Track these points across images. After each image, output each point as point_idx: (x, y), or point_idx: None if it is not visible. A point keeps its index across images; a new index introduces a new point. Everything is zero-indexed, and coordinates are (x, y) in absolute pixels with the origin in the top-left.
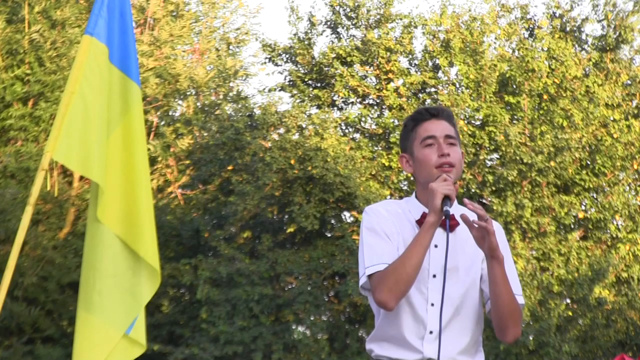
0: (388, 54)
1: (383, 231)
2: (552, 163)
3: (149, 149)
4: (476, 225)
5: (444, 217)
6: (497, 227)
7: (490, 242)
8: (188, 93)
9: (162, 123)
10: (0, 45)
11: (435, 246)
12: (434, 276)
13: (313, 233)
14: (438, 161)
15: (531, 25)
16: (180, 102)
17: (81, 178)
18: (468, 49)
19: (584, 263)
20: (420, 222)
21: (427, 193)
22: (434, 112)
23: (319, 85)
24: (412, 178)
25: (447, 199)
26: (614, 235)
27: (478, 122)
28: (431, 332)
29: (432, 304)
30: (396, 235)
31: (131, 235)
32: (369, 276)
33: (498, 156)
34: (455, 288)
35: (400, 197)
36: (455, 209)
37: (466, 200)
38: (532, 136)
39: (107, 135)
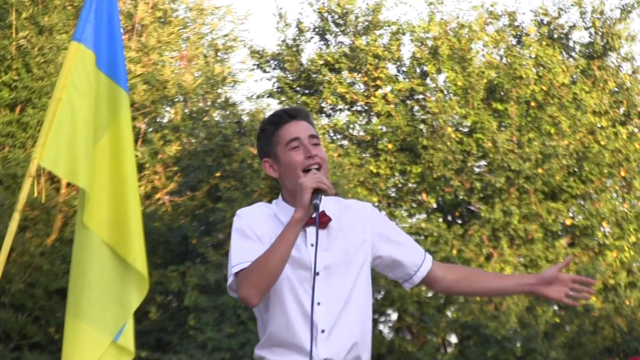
0: (376, 60)
1: (253, 232)
2: (540, 170)
3: (136, 156)
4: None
5: (313, 212)
6: (369, 208)
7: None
8: (176, 99)
9: (150, 129)
10: None
11: (312, 245)
12: (318, 274)
13: None
14: (305, 163)
15: (519, 33)
16: (168, 108)
17: (68, 185)
18: (456, 56)
19: (572, 270)
20: None
21: (297, 192)
22: (293, 113)
23: (307, 91)
24: (276, 182)
25: (317, 192)
26: (601, 242)
27: (466, 129)
28: (323, 331)
29: (319, 303)
30: (268, 237)
31: (120, 242)
32: (236, 274)
33: (486, 163)
34: (341, 284)
35: (389, 204)
36: (330, 205)
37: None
38: (520, 143)
39: (95, 142)
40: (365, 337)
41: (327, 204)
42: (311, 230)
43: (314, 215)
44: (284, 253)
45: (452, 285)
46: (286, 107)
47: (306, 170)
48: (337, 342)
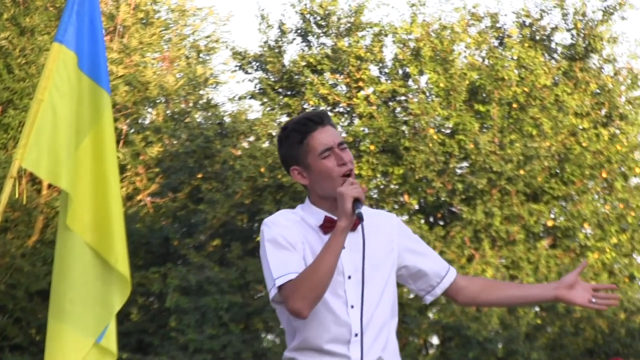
0: (358, 62)
1: (287, 241)
2: (522, 171)
3: (118, 157)
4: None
5: (357, 219)
6: (395, 219)
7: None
8: (158, 101)
9: (132, 131)
10: None
11: (343, 248)
12: (349, 277)
13: None
14: (340, 170)
15: (501, 34)
16: (149, 110)
17: (50, 186)
18: (438, 57)
19: (553, 271)
20: (323, 227)
21: (336, 198)
22: (318, 120)
23: (289, 93)
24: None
25: (357, 201)
26: (583, 244)
27: (448, 131)
28: (356, 335)
29: (352, 306)
30: (301, 244)
31: (102, 243)
32: (280, 287)
33: (468, 164)
34: (370, 288)
35: (371, 206)
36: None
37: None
38: (502, 144)
39: (77, 143)
40: (393, 343)
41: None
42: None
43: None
44: (332, 264)
45: (476, 296)
46: (308, 112)
47: (341, 176)
48: (368, 346)
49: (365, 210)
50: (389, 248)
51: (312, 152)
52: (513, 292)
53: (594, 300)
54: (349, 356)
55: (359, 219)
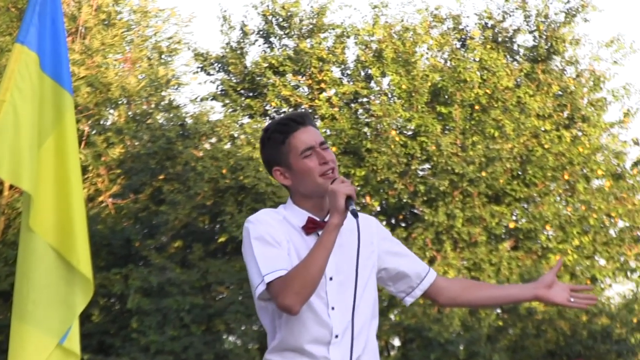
0: (320, 63)
1: (272, 238)
2: (484, 173)
3: (80, 158)
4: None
5: (351, 216)
6: (374, 221)
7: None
8: (119, 102)
9: (94, 132)
10: None
11: None
12: (331, 279)
13: None
14: (321, 169)
15: (463, 36)
16: (111, 111)
17: (11, 187)
18: (400, 59)
19: (515, 273)
20: (306, 227)
21: (319, 198)
22: (300, 120)
23: (251, 94)
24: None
25: (349, 198)
26: (545, 246)
27: (410, 132)
28: (337, 336)
29: (333, 308)
30: (285, 242)
31: (64, 244)
32: (269, 284)
33: (430, 166)
34: (351, 290)
35: None
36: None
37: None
38: (464, 146)
39: (40, 145)
40: (373, 343)
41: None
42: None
43: (326, 219)
44: (324, 261)
45: (457, 296)
46: (290, 113)
47: (323, 175)
48: (347, 347)
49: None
50: (369, 250)
51: (293, 151)
52: (493, 292)
53: (572, 299)
54: (329, 358)
55: (354, 215)
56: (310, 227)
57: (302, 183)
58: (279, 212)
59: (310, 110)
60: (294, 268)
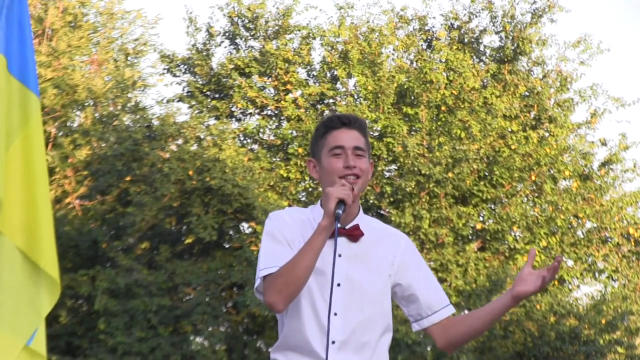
0: (286, 65)
1: (283, 237)
2: (450, 174)
3: (46, 160)
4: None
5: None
6: (404, 238)
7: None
8: (86, 104)
9: (60, 134)
10: None
11: (339, 255)
12: (339, 285)
13: (211, 244)
14: (343, 172)
15: (429, 37)
16: (78, 112)
17: None
18: (366, 60)
19: (482, 274)
20: None
21: (324, 199)
22: (345, 120)
23: (217, 96)
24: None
25: (341, 202)
26: (512, 247)
27: (376, 133)
28: (333, 342)
29: (335, 314)
30: (297, 243)
31: (31, 246)
32: (263, 278)
33: (396, 167)
34: (360, 299)
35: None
36: (367, 221)
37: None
38: (430, 147)
39: (7, 147)
40: (379, 357)
41: (365, 220)
42: (341, 240)
43: (348, 227)
44: (310, 261)
45: (451, 335)
46: (343, 113)
47: (343, 177)
48: (346, 357)
49: (373, 223)
50: (389, 262)
51: (326, 147)
52: (478, 314)
53: (546, 278)
54: None
55: (336, 219)
56: None
57: (324, 180)
58: (305, 212)
59: (276, 112)
60: (281, 267)
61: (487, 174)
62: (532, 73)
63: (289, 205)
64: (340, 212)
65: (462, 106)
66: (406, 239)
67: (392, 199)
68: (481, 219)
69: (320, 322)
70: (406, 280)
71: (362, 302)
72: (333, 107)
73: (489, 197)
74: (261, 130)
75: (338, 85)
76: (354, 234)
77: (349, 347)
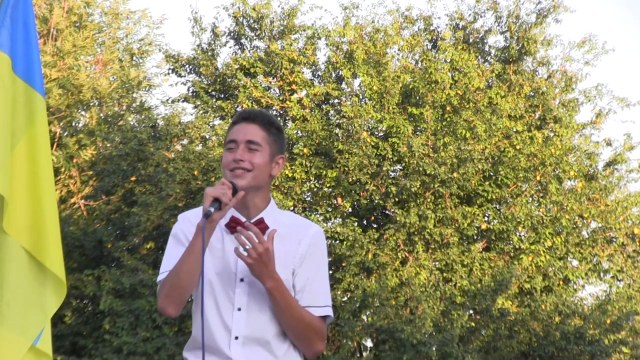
0: (291, 65)
1: (185, 237)
2: (455, 174)
3: (52, 160)
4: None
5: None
6: (315, 231)
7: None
8: (91, 104)
9: (65, 134)
10: None
11: (245, 250)
12: (242, 280)
13: None
14: (232, 165)
15: (434, 37)
16: (83, 112)
17: None
18: (371, 60)
19: (487, 274)
20: (229, 226)
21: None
22: (246, 115)
23: (222, 96)
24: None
25: (216, 201)
26: (517, 247)
27: (381, 134)
28: (237, 338)
29: (239, 309)
30: None
31: (37, 246)
32: (159, 283)
33: (401, 167)
34: (264, 294)
35: (304, 209)
36: (278, 215)
37: (240, 229)
38: (435, 147)
39: (12, 146)
40: (285, 352)
41: (275, 214)
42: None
43: (252, 221)
44: (190, 263)
45: None
46: (251, 108)
47: (231, 171)
48: (252, 352)
49: (283, 217)
50: (293, 253)
51: (225, 142)
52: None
53: None
54: (231, 357)
55: (205, 217)
56: (232, 227)
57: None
58: None
59: (281, 112)
60: (169, 271)
61: (492, 174)
62: (537, 73)
63: (294, 205)
64: (212, 210)
65: (467, 106)
66: (315, 232)
67: (397, 199)
68: (486, 219)
69: (222, 319)
70: (296, 271)
71: (266, 297)
72: (338, 107)
73: (494, 197)
74: None
75: (343, 85)
76: (260, 228)
77: (253, 343)
